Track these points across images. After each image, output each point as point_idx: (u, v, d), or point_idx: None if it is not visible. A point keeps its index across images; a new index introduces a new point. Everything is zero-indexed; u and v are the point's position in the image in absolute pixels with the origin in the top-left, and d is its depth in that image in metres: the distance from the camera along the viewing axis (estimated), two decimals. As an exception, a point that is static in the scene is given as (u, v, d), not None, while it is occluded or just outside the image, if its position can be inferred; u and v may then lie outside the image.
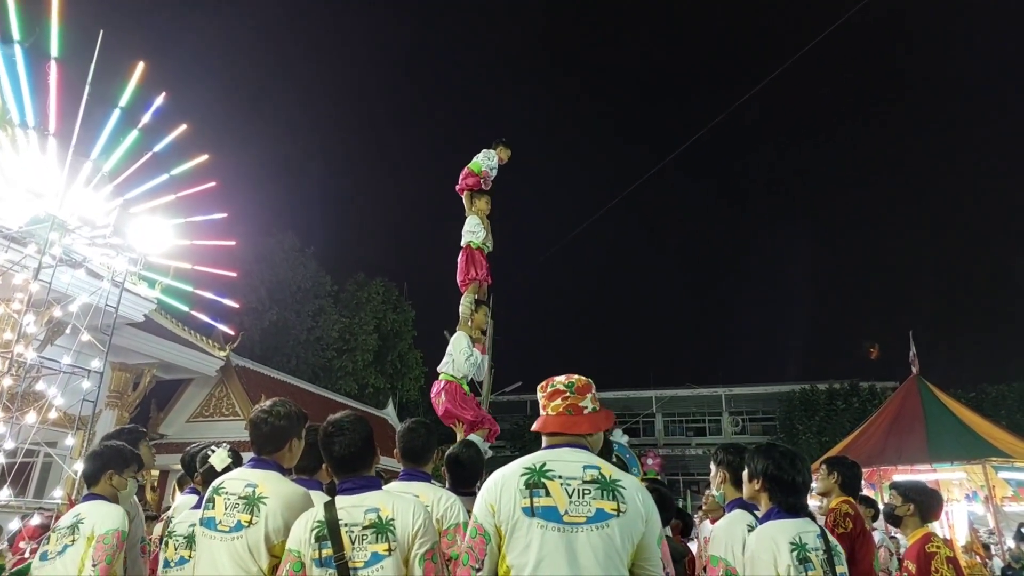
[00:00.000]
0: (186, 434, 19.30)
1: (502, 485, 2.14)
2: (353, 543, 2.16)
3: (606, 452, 3.91)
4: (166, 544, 2.78)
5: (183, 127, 12.74)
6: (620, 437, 32.30)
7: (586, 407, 2.26)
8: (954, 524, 14.41)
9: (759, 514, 2.81)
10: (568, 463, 2.14)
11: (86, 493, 3.04)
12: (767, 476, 2.63)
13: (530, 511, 2.05)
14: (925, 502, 3.56)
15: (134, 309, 13.50)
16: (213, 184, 13.46)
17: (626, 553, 2.03)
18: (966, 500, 14.16)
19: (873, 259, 74.73)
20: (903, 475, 14.28)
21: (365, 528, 2.19)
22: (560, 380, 2.31)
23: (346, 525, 2.18)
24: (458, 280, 5.68)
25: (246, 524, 2.36)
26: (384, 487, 2.41)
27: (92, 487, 3.02)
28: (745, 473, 2.76)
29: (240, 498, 2.42)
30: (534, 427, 2.33)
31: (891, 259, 75.67)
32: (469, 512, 3.11)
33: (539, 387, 2.38)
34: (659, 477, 30.41)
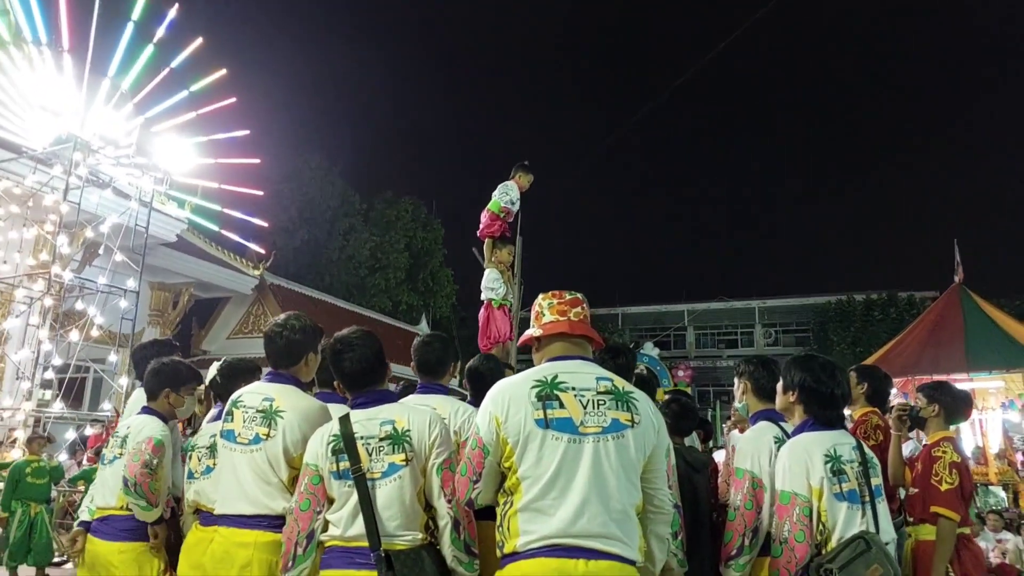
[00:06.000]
0: (228, 350, 19.90)
1: (510, 397, 2.07)
2: (370, 455, 2.12)
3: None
4: (190, 456, 2.79)
5: (199, 41, 12.43)
6: (651, 350, 32.58)
7: (579, 315, 2.24)
8: (988, 432, 14.35)
9: (787, 425, 2.73)
10: (581, 375, 2.09)
11: (143, 406, 3.08)
12: (803, 388, 2.51)
13: (544, 423, 1.99)
14: (951, 403, 3.37)
15: (165, 229, 13.64)
16: (233, 100, 13.23)
17: (639, 464, 2.03)
18: (1001, 408, 13.98)
19: (915, 163, 71.93)
20: (938, 383, 14.11)
21: (381, 440, 2.14)
22: (552, 294, 2.29)
23: (362, 438, 2.14)
24: (479, 343, 5.25)
25: (264, 437, 2.34)
26: (400, 400, 2.35)
27: (151, 402, 3.05)
28: (780, 384, 2.65)
29: (258, 411, 2.39)
30: (525, 337, 2.29)
31: (934, 164, 72.73)
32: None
33: (537, 299, 2.33)
34: (688, 389, 30.78)
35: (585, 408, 2.00)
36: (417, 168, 68.23)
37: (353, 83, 71.02)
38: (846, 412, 4.11)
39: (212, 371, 3.19)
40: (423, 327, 28.40)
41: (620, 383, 2.09)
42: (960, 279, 15.20)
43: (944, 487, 3.06)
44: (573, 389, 2.04)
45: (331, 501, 2.15)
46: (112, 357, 9.43)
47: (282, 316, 2.56)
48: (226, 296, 19.58)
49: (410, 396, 2.86)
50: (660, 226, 79.00)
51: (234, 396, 2.52)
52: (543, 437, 1.97)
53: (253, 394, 2.46)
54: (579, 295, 2.28)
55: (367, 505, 2.05)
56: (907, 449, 4.39)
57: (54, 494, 7.73)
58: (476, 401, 3.19)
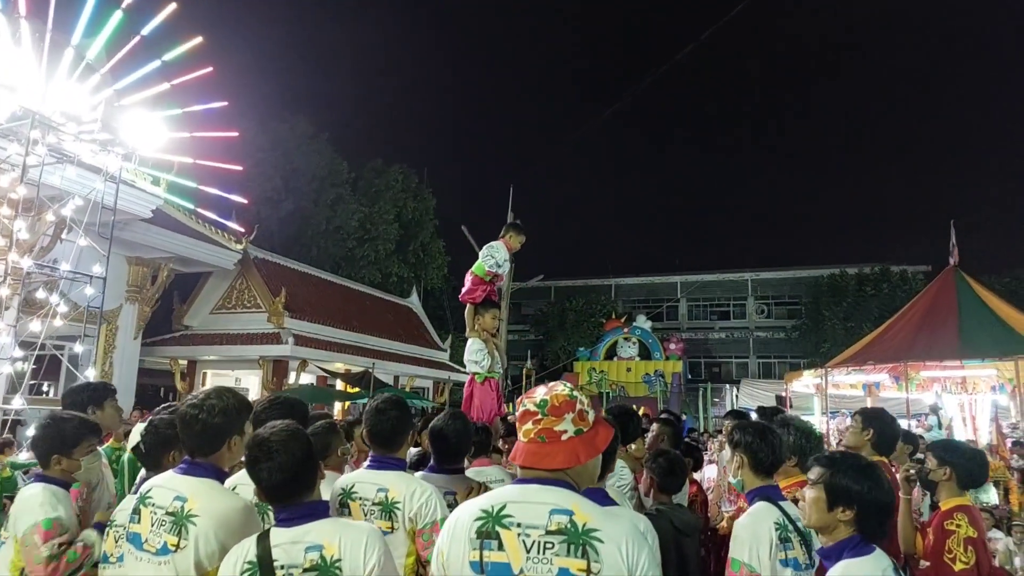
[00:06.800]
0: (210, 325, 19.55)
1: (453, 529, 1.73)
2: None
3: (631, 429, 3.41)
4: (107, 533, 2.42)
5: (172, 6, 11.72)
6: (644, 323, 32.50)
7: (565, 431, 1.73)
8: (976, 415, 14.23)
9: (787, 506, 2.45)
10: (532, 506, 1.66)
11: (36, 473, 2.69)
12: (865, 504, 2.01)
13: (479, 567, 1.64)
14: (964, 467, 3.01)
15: (140, 205, 13.12)
16: (210, 70, 12.57)
17: None
18: (992, 391, 13.84)
19: (908, 137, 71.26)
20: (930, 371, 13.93)
21: (306, 571, 1.78)
22: (535, 397, 1.78)
23: (283, 567, 1.77)
24: (462, 409, 4.88)
25: (173, 548, 1.97)
26: (331, 516, 1.94)
27: (44, 469, 2.66)
28: (824, 495, 2.07)
29: (167, 514, 2.02)
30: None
31: (927, 137, 72.09)
32: (453, 494, 2.74)
33: (517, 400, 1.88)
34: (679, 362, 30.68)
35: (528, 552, 1.61)
36: (408, 135, 66.99)
37: (339, 46, 69.23)
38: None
39: (135, 435, 2.77)
40: (414, 300, 28.05)
41: (584, 516, 1.62)
42: (955, 261, 14.93)
43: (959, 567, 2.75)
44: (518, 526, 1.64)
45: None
46: (77, 348, 9.00)
47: (200, 394, 2.16)
48: (208, 271, 19.11)
49: (359, 471, 2.50)
50: (653, 197, 78.36)
51: (143, 489, 2.15)
52: None
53: (163, 490, 2.09)
54: (534, 403, 1.75)
55: None
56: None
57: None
58: (439, 465, 2.85)
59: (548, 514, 1.63)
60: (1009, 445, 11.49)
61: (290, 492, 1.87)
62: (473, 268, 4.83)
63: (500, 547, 1.63)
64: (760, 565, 2.27)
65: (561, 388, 1.77)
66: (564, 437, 1.72)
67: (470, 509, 1.74)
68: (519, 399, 1.87)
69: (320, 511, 1.90)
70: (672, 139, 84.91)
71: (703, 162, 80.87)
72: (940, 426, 13.18)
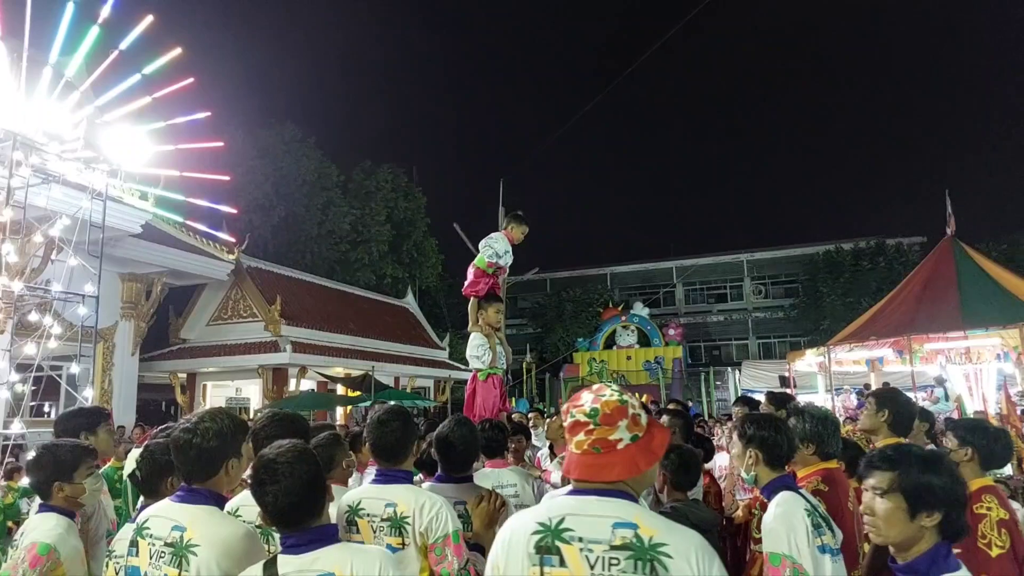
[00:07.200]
0: (208, 337, 19.44)
1: (510, 543, 1.65)
2: None
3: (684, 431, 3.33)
4: (107, 564, 2.33)
5: (149, 18, 11.55)
6: (641, 310, 32.43)
7: (620, 440, 1.64)
8: (983, 384, 14.18)
9: (807, 493, 2.37)
10: (592, 519, 1.57)
11: (39, 504, 2.61)
12: (951, 502, 1.76)
13: None
14: (986, 446, 2.86)
15: (129, 220, 12.99)
16: (191, 80, 12.40)
17: None
18: (996, 359, 13.79)
19: (896, 108, 71.23)
20: (935, 343, 13.88)
21: None
22: (582, 405, 1.68)
23: None
24: (465, 408, 4.72)
25: (174, 582, 1.89)
26: (340, 539, 1.84)
27: (46, 499, 2.58)
28: (904, 502, 1.79)
29: (166, 544, 1.94)
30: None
31: (915, 108, 72.08)
32: (463, 504, 2.66)
33: (563, 409, 1.79)
34: (679, 347, 30.64)
35: (592, 568, 1.53)
36: (395, 135, 66.73)
37: (321, 49, 68.87)
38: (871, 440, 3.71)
39: (131, 461, 2.68)
40: (410, 300, 27.95)
41: (649, 530, 1.53)
42: (952, 231, 14.87)
43: (995, 552, 2.60)
44: (580, 540, 1.56)
45: None
46: (74, 368, 8.89)
47: (193, 417, 2.07)
48: (202, 283, 18.99)
49: (365, 486, 2.41)
50: (645, 184, 78.26)
51: (140, 520, 2.06)
52: None
53: (161, 520, 2.00)
54: (584, 413, 1.65)
55: None
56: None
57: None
58: (447, 474, 2.76)
59: (611, 528, 1.55)
60: (1020, 413, 11.45)
61: (298, 517, 1.78)
62: (475, 261, 4.76)
63: (562, 563, 1.55)
64: (800, 556, 2.18)
65: (610, 394, 1.68)
66: (620, 446, 1.64)
67: (525, 521, 1.65)
68: (564, 407, 1.76)
69: (329, 536, 1.81)
70: (660, 124, 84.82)
71: (692, 146, 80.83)
72: (947, 398, 13.11)
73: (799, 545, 2.19)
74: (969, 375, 14.41)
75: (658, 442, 1.68)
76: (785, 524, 2.25)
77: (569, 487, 1.73)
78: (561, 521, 1.59)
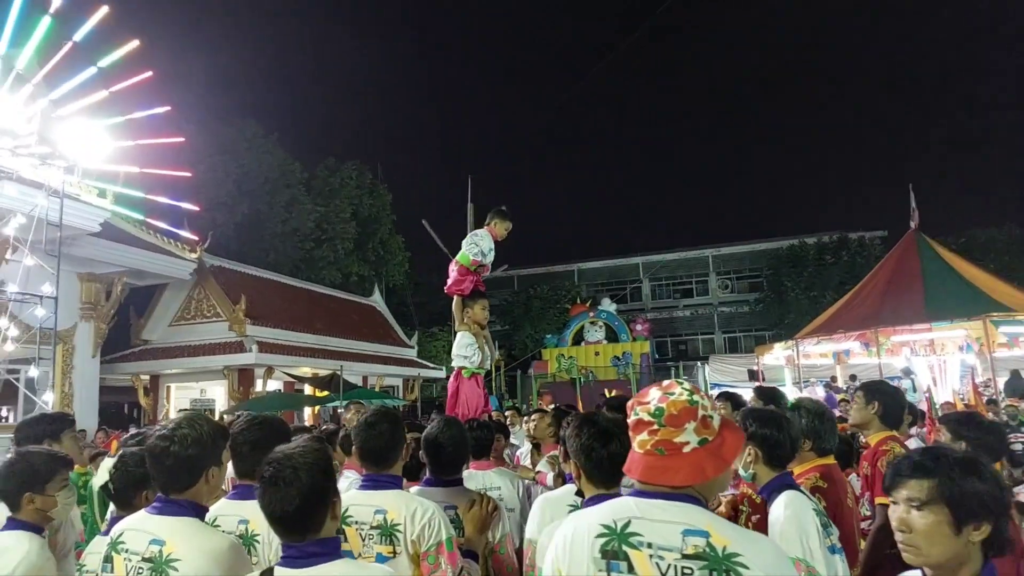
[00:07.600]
0: (170, 338, 18.92)
1: (572, 544, 1.56)
2: None
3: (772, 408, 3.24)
4: None
5: (104, 9, 11.13)
6: (608, 306, 32.58)
7: (686, 443, 1.53)
8: (947, 376, 14.53)
9: (805, 490, 2.33)
10: (660, 524, 1.48)
11: (7, 518, 2.41)
12: (1000, 512, 1.55)
13: None
14: (980, 440, 2.84)
15: (87, 219, 12.52)
16: (149, 74, 12.02)
17: None
18: (959, 351, 14.12)
19: (856, 104, 72.89)
20: (901, 335, 14.17)
21: None
22: (647, 403, 1.58)
23: None
24: (447, 407, 4.60)
25: (154, 601, 1.74)
26: (343, 557, 1.67)
27: (15, 512, 2.39)
28: (950, 515, 1.54)
29: (144, 560, 1.79)
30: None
31: (875, 104, 73.87)
32: (454, 508, 2.53)
33: (627, 405, 1.67)
34: (647, 343, 30.86)
35: None
36: (359, 132, 65.90)
37: (283, 45, 67.70)
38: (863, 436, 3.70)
39: (103, 472, 2.49)
40: (377, 298, 27.63)
41: (722, 538, 1.44)
42: (916, 225, 15.15)
43: None
44: (649, 546, 1.47)
45: None
46: (32, 371, 8.54)
47: (170, 423, 1.92)
48: (164, 282, 18.46)
49: (352, 492, 2.27)
50: (611, 180, 78.75)
51: (114, 533, 1.91)
52: None
53: (137, 534, 1.85)
54: (648, 412, 1.55)
55: None
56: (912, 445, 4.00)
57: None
58: (436, 476, 2.64)
59: (681, 535, 1.46)
60: (986, 403, 11.73)
61: (306, 525, 1.63)
62: (458, 258, 4.63)
63: (631, 569, 1.47)
64: (814, 559, 2.12)
65: (679, 392, 1.56)
66: (686, 449, 1.53)
67: (588, 523, 1.56)
68: (629, 404, 1.65)
69: (332, 550, 1.66)
70: (625, 122, 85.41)
71: (656, 143, 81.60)
72: (915, 389, 13.38)
73: (812, 548, 2.13)
74: (934, 366, 14.76)
75: (729, 447, 1.56)
76: (797, 526, 2.18)
77: (628, 488, 1.62)
78: (627, 525, 1.50)
